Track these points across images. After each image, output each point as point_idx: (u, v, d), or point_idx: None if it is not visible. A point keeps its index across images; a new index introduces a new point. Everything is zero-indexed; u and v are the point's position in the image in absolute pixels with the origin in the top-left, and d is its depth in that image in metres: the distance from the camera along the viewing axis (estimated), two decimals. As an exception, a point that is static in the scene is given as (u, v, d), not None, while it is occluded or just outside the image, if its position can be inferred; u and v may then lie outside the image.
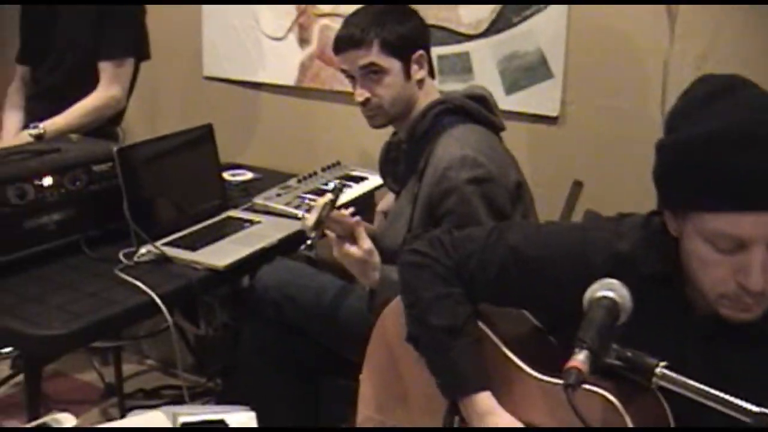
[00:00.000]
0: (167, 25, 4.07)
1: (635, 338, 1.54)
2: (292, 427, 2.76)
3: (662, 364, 1.47)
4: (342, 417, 2.68)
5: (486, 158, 2.46)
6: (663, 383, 1.45)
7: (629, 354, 1.49)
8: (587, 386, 1.61)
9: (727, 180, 1.44)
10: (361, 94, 2.63)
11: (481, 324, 1.90)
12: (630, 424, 1.58)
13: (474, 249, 1.86)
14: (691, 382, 1.43)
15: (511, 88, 3.28)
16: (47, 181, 2.71)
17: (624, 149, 3.11)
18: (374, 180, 3.35)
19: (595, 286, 1.52)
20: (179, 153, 3.05)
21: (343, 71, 2.68)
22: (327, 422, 2.83)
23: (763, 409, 1.33)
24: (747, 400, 1.35)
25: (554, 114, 3.21)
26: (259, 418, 2.10)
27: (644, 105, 3.07)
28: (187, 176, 3.05)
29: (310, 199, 3.10)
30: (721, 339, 1.63)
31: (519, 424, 1.73)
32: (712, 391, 1.41)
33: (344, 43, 2.63)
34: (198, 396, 3.64)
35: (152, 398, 3.78)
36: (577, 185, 3.01)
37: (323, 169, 3.47)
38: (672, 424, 1.64)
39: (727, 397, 1.38)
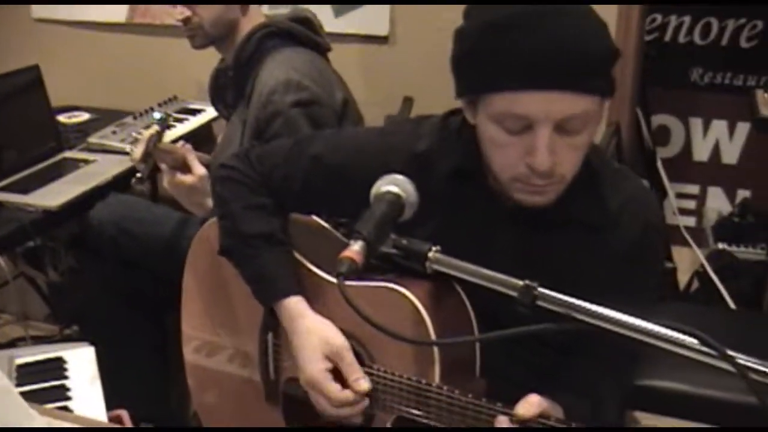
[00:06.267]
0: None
1: (448, 235, 1.58)
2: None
3: (435, 248, 1.49)
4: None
5: (311, 80, 2.48)
6: (437, 267, 1.48)
7: (404, 242, 1.51)
8: (393, 286, 1.66)
9: (511, 60, 1.48)
10: (182, 12, 2.62)
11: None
12: (426, 317, 1.62)
13: (278, 162, 1.88)
14: (462, 263, 1.47)
15: (339, 10, 3.29)
16: None
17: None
18: (211, 112, 3.32)
19: (380, 182, 1.55)
20: (5, 98, 2.98)
21: None
22: (175, 356, 2.84)
23: (528, 282, 1.37)
24: (560, 285, 1.38)
25: (384, 33, 3.24)
26: (109, 356, 2.10)
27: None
28: (15, 121, 2.99)
29: (137, 133, 3.08)
30: (527, 226, 1.68)
31: (329, 325, 1.75)
32: (482, 270, 1.45)
33: None
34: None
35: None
36: (408, 101, 3.05)
37: (159, 105, 3.45)
38: (471, 314, 1.69)
39: (494, 273, 1.42)
